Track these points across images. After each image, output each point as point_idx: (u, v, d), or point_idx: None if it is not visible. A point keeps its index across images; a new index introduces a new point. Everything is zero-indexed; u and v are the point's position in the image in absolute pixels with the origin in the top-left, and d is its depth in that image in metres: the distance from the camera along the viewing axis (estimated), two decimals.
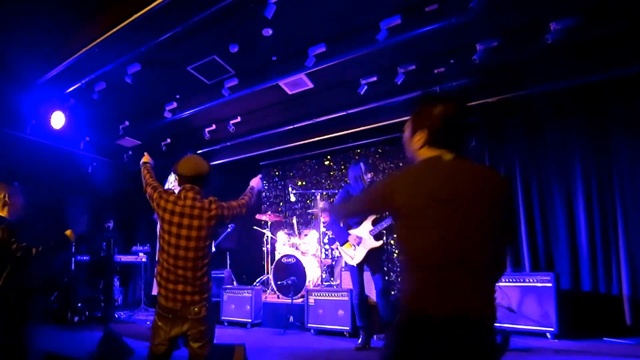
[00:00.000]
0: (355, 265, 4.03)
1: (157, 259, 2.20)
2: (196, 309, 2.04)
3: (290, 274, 5.45)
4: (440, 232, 1.22)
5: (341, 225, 4.15)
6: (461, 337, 1.17)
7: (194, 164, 2.22)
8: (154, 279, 2.24)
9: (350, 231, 4.07)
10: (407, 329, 1.26)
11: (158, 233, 2.20)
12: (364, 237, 4.01)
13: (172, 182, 3.87)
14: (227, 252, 6.77)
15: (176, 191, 3.79)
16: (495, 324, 1.24)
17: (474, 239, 1.22)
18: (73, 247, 5.96)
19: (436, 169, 1.31)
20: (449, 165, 1.30)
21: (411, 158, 1.46)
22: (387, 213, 3.75)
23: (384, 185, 1.48)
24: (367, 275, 4.17)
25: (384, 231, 4.01)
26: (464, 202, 1.22)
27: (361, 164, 4.05)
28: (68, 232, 2.56)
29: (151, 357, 2.08)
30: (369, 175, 4.06)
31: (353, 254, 4.02)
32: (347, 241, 4.05)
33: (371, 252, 3.97)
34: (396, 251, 6.40)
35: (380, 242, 3.97)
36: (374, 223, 4.02)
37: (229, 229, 4.03)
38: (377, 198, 1.44)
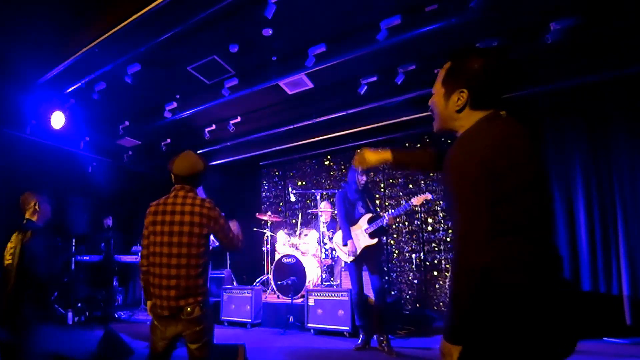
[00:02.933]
0: (351, 263, 4.04)
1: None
2: (189, 309, 1.98)
3: (290, 274, 5.45)
4: (538, 192, 1.08)
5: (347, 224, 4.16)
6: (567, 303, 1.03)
7: (190, 164, 2.15)
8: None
9: (351, 228, 4.07)
10: (518, 309, 1.01)
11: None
12: (359, 235, 4.01)
13: None
14: (227, 252, 6.78)
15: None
16: None
17: (549, 196, 1.13)
18: (73, 248, 5.96)
19: (509, 128, 1.12)
20: (512, 123, 1.13)
21: (442, 125, 1.28)
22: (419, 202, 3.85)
23: (476, 171, 1.07)
24: (366, 276, 4.17)
25: (380, 230, 4.01)
26: (537, 158, 1.10)
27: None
28: None
29: (151, 355, 2.07)
30: (364, 178, 4.03)
31: (347, 249, 4.03)
32: (349, 242, 4.04)
33: (366, 250, 3.98)
34: (396, 251, 6.40)
35: (375, 240, 3.98)
36: (369, 221, 4.02)
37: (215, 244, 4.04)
38: (485, 185, 1.06)
